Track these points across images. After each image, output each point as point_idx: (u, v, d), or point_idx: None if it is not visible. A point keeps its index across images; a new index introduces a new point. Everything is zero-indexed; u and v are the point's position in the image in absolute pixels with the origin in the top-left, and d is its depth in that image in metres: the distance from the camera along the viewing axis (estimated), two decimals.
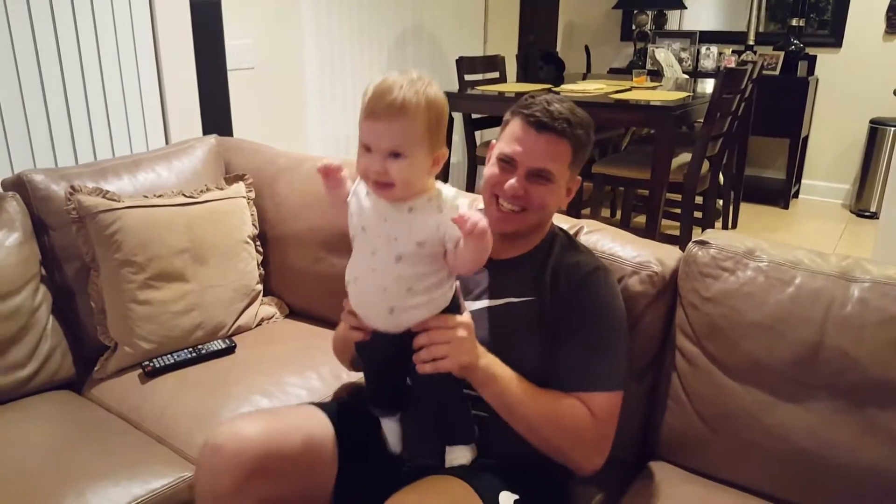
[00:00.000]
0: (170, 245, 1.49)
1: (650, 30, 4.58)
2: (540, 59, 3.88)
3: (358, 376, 1.36)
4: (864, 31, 4.05)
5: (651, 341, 1.22)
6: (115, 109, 2.03)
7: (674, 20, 4.70)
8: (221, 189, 1.67)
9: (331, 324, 1.63)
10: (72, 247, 1.47)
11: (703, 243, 1.19)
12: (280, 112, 2.71)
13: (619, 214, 3.79)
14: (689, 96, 3.05)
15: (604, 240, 1.27)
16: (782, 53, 4.10)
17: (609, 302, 1.07)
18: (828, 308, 1.07)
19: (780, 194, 4.24)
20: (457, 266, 0.90)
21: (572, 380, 1.03)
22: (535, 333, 1.05)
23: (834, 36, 4.16)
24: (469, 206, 0.93)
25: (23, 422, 1.29)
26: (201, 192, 1.62)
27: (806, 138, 4.29)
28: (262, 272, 1.71)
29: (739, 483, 1.13)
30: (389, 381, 1.03)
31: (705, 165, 3.08)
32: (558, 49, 4.75)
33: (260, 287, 1.69)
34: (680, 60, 4.39)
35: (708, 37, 4.51)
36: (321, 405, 1.12)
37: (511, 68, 3.97)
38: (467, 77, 3.46)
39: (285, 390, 1.39)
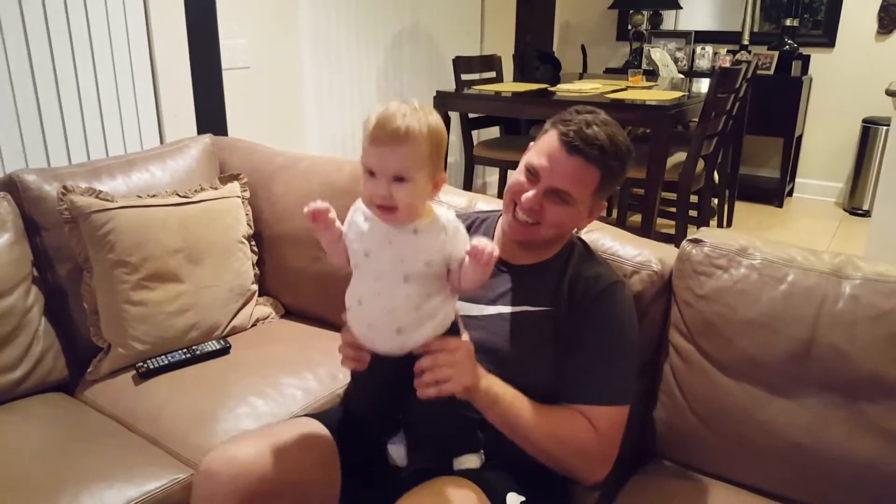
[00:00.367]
0: (164, 245, 1.49)
1: (646, 30, 4.59)
2: (536, 58, 3.88)
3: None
4: (857, 31, 4.07)
5: (650, 340, 1.22)
6: (108, 109, 2.02)
7: (669, 20, 4.72)
8: (216, 189, 1.66)
9: (327, 324, 1.64)
10: (64, 247, 1.47)
11: (697, 241, 1.20)
12: (276, 112, 2.71)
13: (615, 213, 3.80)
14: (684, 96, 3.06)
15: (603, 239, 1.27)
16: (776, 53, 4.12)
17: (624, 317, 1.06)
18: (820, 305, 1.07)
19: (775, 193, 4.26)
20: (461, 284, 0.91)
21: (579, 392, 1.03)
22: (548, 344, 1.05)
23: (827, 36, 4.18)
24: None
25: (15, 424, 1.28)
26: (196, 191, 1.62)
27: (800, 137, 4.32)
28: (258, 272, 1.70)
29: (734, 479, 1.14)
30: (390, 406, 1.03)
31: (700, 164, 3.08)
32: (555, 49, 4.76)
33: (255, 287, 1.68)
34: (675, 60, 4.40)
35: (703, 37, 4.52)
36: (320, 416, 1.10)
37: (508, 68, 3.97)
38: (464, 77, 3.46)
39: (281, 391, 1.38)
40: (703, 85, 3.49)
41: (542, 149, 1.05)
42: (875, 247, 2.47)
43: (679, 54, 4.49)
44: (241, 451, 0.97)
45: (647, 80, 3.60)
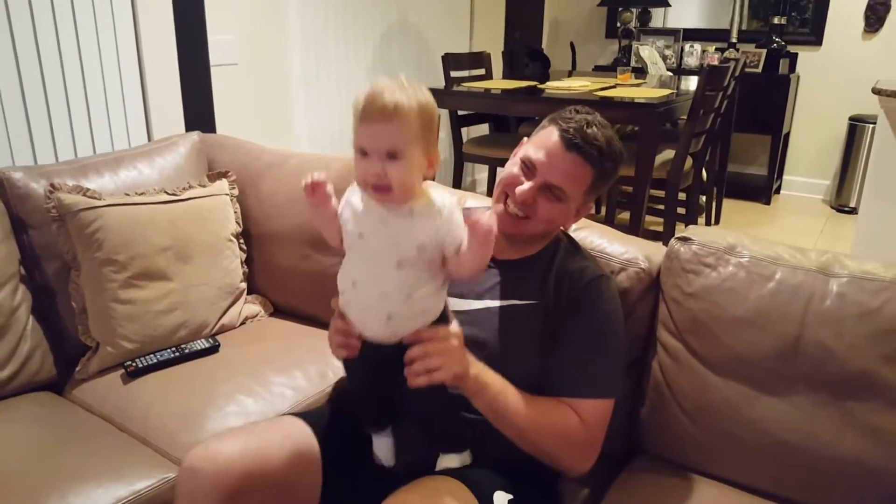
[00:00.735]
0: (152, 243, 1.48)
1: (635, 27, 4.61)
2: (526, 55, 3.89)
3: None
4: (844, 29, 4.11)
5: (638, 337, 1.23)
6: (96, 106, 2.00)
7: (658, 18, 4.74)
8: (204, 186, 1.65)
9: (317, 322, 1.64)
10: (52, 245, 1.45)
11: (685, 239, 1.21)
12: (265, 108, 2.69)
13: (603, 210, 3.81)
14: (672, 93, 3.07)
15: (591, 236, 1.28)
16: (764, 51, 4.15)
17: (610, 311, 1.07)
18: (807, 302, 1.08)
19: (762, 190, 4.30)
20: (459, 272, 0.90)
21: (566, 385, 1.04)
22: (536, 337, 1.05)
23: (814, 34, 4.21)
24: (459, 203, 0.93)
25: (2, 424, 1.27)
26: (184, 189, 1.61)
27: (787, 135, 4.35)
28: (246, 270, 1.70)
29: (722, 475, 1.15)
30: (380, 396, 1.03)
31: (688, 162, 3.10)
32: (544, 46, 4.77)
33: (244, 285, 1.68)
34: (664, 58, 4.42)
35: (692, 34, 4.55)
36: (304, 415, 1.11)
37: (497, 65, 3.97)
38: (453, 73, 3.46)
39: (271, 390, 1.38)
40: (691, 83, 3.51)
41: (540, 143, 1.05)
42: (862, 244, 2.49)
43: (668, 52, 4.51)
44: (223, 448, 0.97)
45: (636, 78, 3.61)
